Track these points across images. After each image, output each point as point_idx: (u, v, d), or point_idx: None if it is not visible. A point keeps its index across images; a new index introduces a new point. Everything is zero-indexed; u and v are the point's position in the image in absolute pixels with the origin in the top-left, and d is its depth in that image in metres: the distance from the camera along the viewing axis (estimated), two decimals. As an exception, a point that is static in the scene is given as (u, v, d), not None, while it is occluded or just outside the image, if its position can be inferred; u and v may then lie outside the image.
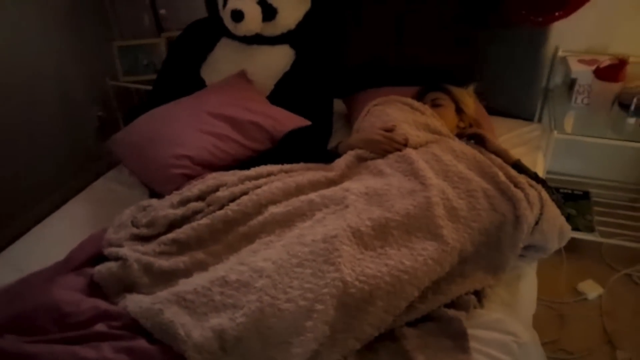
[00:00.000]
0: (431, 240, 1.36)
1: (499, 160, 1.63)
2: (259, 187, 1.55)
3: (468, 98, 2.00)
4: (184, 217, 1.52)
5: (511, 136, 2.18)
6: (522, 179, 1.56)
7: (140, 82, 2.71)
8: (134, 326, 1.22)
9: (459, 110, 1.95)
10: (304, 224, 1.40)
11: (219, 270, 1.33)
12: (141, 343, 1.15)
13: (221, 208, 1.50)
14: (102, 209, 1.77)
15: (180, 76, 2.23)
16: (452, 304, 1.36)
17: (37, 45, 2.50)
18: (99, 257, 1.46)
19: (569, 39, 2.28)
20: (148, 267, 1.38)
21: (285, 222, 1.44)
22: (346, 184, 1.54)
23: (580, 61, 2.23)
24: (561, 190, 2.44)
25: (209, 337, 1.17)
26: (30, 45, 2.47)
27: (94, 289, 1.34)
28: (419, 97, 2.02)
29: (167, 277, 1.35)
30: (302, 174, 1.62)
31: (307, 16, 2.21)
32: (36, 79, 2.52)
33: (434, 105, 1.94)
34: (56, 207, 1.84)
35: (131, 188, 1.88)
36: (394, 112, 1.85)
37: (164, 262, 1.38)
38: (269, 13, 2.09)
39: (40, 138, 2.58)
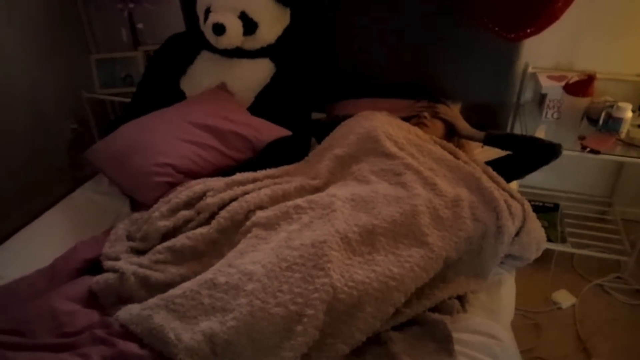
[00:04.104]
0: (417, 247, 1.38)
1: (481, 164, 1.67)
2: (247, 192, 1.56)
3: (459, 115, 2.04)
4: (175, 227, 1.52)
5: (485, 149, 2.23)
6: (507, 187, 1.60)
7: (117, 94, 2.70)
8: (125, 333, 1.21)
9: (451, 132, 2.00)
10: (290, 227, 1.41)
11: (207, 272, 1.32)
12: (131, 348, 1.13)
13: (212, 215, 1.51)
14: (83, 219, 1.74)
15: (160, 88, 2.24)
16: (436, 308, 1.37)
17: (11, 58, 2.46)
18: (96, 265, 1.45)
19: (538, 55, 2.36)
20: (145, 280, 1.37)
21: (271, 224, 1.45)
22: (332, 190, 1.55)
23: (550, 77, 2.31)
24: (532, 203, 2.50)
25: (200, 341, 1.16)
26: (4, 59, 2.43)
27: (92, 298, 1.33)
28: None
29: (164, 290, 1.33)
30: (289, 181, 1.64)
31: (287, 31, 2.24)
32: (9, 91, 2.47)
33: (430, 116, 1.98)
34: (33, 217, 1.79)
35: (111, 198, 1.86)
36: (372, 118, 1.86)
37: (160, 275, 1.38)
38: (249, 27, 2.12)
39: (12, 150, 2.53)
